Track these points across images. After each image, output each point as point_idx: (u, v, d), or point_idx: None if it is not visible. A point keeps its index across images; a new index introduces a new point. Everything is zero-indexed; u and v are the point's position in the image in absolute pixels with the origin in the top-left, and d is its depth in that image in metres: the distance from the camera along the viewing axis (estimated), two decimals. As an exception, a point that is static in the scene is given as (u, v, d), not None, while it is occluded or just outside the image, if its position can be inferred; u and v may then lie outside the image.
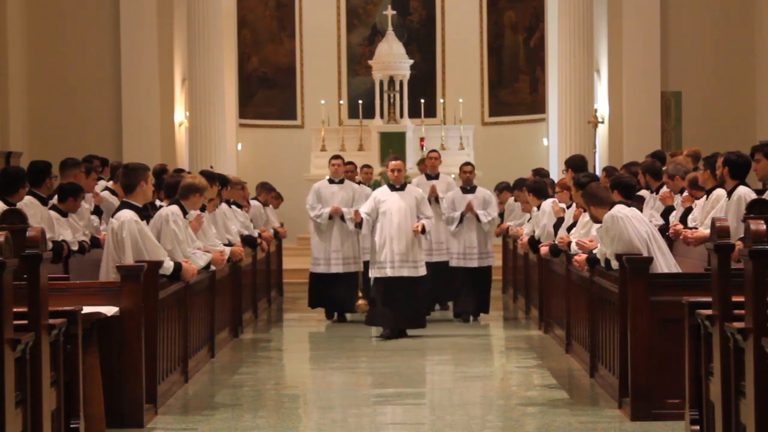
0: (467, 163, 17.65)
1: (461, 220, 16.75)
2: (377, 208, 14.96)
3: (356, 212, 15.24)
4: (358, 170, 18.50)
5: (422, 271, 14.95)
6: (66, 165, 12.94)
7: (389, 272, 14.80)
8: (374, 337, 15.07)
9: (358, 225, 15.17)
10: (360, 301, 16.30)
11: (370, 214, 14.97)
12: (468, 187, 17.11)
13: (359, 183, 17.86)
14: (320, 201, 16.86)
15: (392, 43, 27.40)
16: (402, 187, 15.15)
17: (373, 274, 15.04)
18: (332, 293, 16.85)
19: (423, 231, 14.88)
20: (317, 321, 17.22)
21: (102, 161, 15.82)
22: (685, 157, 14.44)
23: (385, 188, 15.30)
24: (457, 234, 16.81)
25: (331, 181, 17.04)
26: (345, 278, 16.81)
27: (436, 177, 17.71)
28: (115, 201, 13.15)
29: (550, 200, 14.90)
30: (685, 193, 12.49)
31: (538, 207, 15.38)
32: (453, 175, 18.77)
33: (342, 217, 16.68)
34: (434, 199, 17.06)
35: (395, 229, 14.84)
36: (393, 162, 15.42)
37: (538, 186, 15.77)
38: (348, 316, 17.12)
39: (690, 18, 23.32)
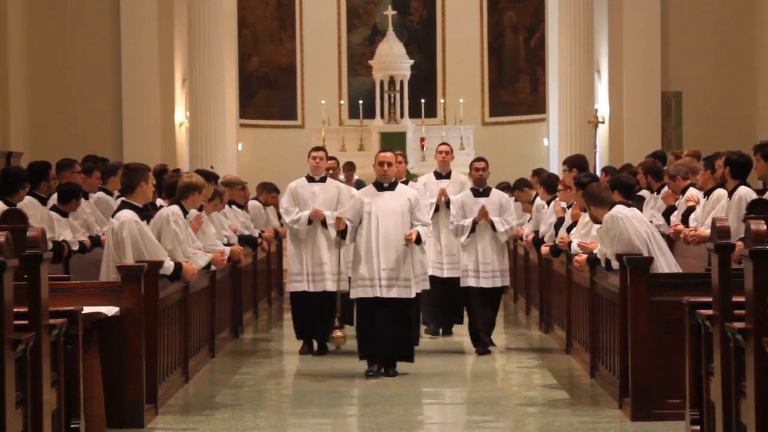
0: (480, 159, 14.21)
1: (473, 229, 13.64)
2: (361, 212, 12.08)
3: (339, 218, 12.20)
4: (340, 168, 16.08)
5: (414, 292, 12.00)
6: (60, 166, 12.95)
7: (373, 292, 11.87)
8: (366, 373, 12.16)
9: (342, 234, 12.25)
10: (337, 332, 13.43)
11: (352, 221, 12.07)
12: (481, 189, 13.86)
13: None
14: (297, 203, 13.68)
15: (392, 43, 27.45)
16: (392, 186, 12.17)
17: (353, 293, 12.13)
18: (316, 318, 13.65)
19: (418, 241, 11.95)
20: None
21: (102, 161, 15.79)
22: (687, 156, 14.43)
23: (370, 187, 12.34)
24: (468, 246, 13.67)
25: (310, 179, 13.82)
26: (334, 299, 13.63)
27: (447, 176, 14.77)
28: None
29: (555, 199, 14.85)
30: (689, 193, 12.47)
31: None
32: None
33: (324, 223, 13.52)
34: (444, 204, 14.31)
35: (382, 238, 11.90)
36: (383, 153, 12.39)
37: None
38: (329, 345, 13.82)
39: (690, 18, 23.33)
